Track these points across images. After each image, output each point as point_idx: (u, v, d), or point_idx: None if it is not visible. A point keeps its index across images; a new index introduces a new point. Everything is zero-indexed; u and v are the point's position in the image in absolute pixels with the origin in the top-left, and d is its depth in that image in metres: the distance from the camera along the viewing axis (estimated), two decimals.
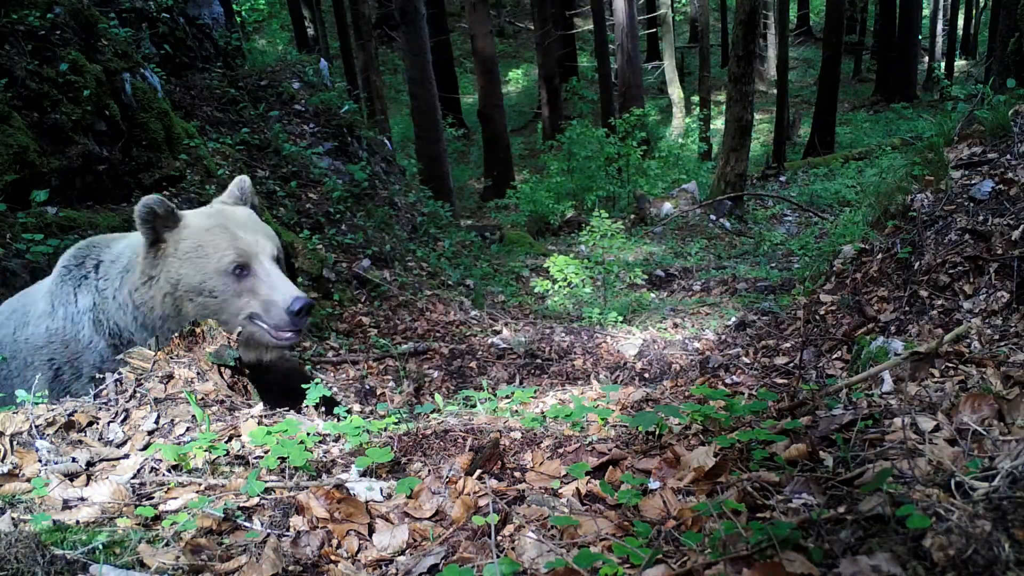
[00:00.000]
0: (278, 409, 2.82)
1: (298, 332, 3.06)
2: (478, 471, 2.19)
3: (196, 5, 9.85)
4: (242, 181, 3.48)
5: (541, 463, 2.28)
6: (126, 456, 2.33)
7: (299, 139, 9.03)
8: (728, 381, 4.82)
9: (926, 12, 28.60)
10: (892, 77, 24.96)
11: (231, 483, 2.16)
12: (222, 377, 2.81)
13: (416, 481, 2.11)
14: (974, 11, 31.84)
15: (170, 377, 2.71)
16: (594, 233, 8.18)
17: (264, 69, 10.04)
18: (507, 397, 3.23)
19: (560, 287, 8.07)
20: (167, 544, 1.80)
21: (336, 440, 2.53)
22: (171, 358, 2.80)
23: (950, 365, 2.67)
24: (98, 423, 2.49)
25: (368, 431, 2.51)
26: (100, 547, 1.73)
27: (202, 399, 2.65)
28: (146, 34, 8.29)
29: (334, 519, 1.95)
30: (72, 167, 4.79)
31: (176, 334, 2.90)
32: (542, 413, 2.77)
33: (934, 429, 2.12)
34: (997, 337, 3.31)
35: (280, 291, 2.99)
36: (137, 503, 2.06)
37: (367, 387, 5.15)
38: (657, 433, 2.43)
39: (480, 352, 5.94)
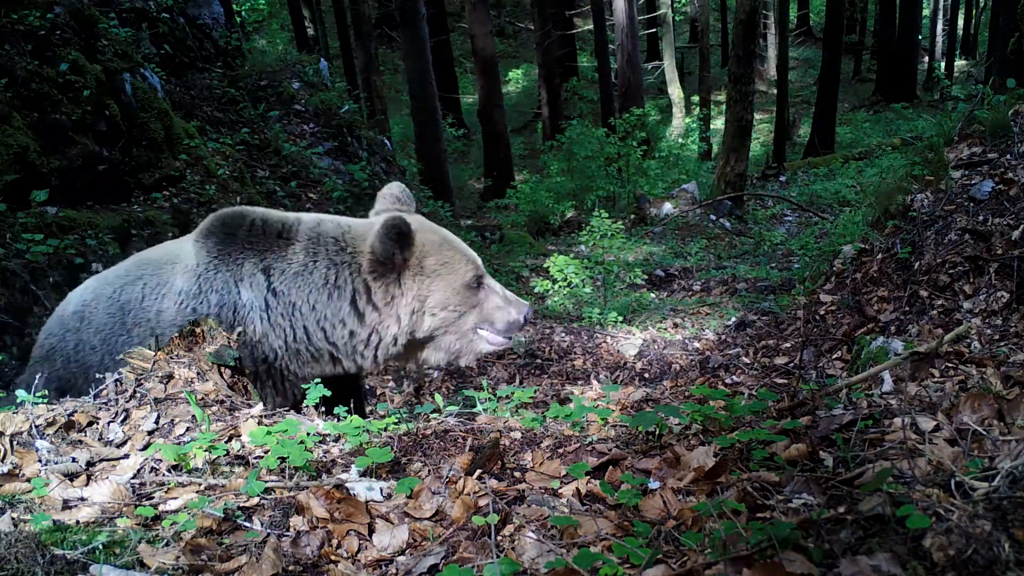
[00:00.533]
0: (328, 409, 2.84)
1: (510, 337, 3.20)
2: (478, 471, 2.19)
3: (196, 5, 9.84)
4: (401, 189, 3.42)
5: (541, 463, 2.28)
6: (126, 456, 2.33)
7: (299, 139, 9.03)
8: (728, 381, 4.82)
9: (926, 12, 28.60)
10: (892, 77, 24.96)
11: (231, 483, 2.16)
12: (222, 377, 2.81)
13: (416, 481, 2.11)
14: (974, 11, 31.84)
15: (170, 377, 2.71)
16: (594, 233, 8.18)
17: (264, 69, 10.04)
18: (507, 397, 3.23)
19: (560, 287, 8.07)
20: (167, 544, 1.80)
21: (336, 440, 2.53)
22: (171, 358, 2.80)
23: (950, 365, 2.67)
24: (98, 423, 2.49)
25: (368, 431, 2.51)
26: (100, 547, 1.73)
27: (202, 399, 2.65)
28: (146, 34, 8.28)
29: (334, 519, 1.95)
30: (72, 167, 4.79)
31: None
32: (542, 413, 2.77)
33: (934, 429, 2.12)
34: (997, 337, 3.31)
35: (514, 301, 3.14)
36: (137, 503, 2.06)
37: (367, 387, 5.14)
38: (657, 433, 2.43)
39: None
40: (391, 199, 3.39)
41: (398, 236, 2.91)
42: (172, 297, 3.01)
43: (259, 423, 2.52)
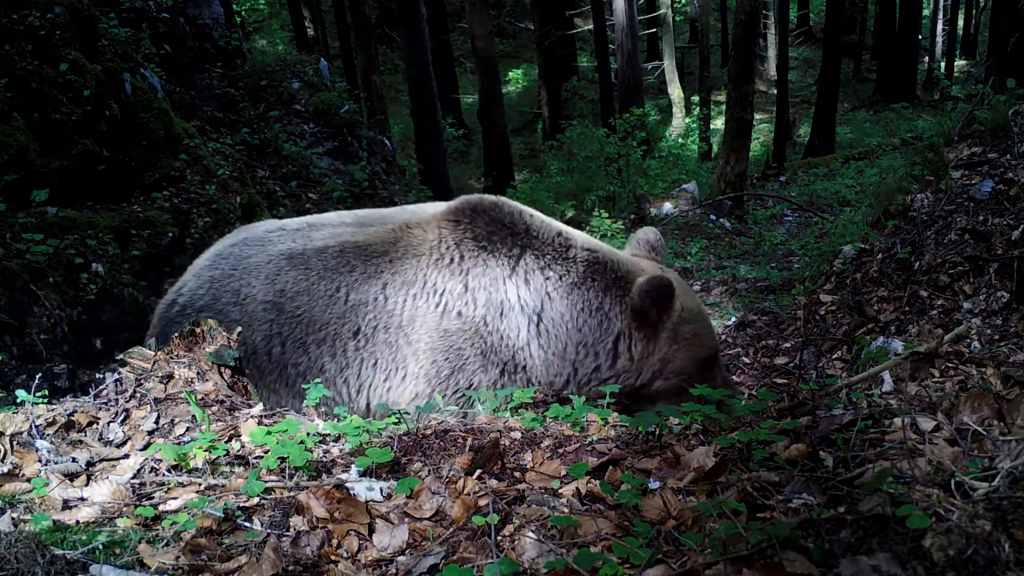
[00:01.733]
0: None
1: None
2: (478, 471, 2.19)
3: (196, 5, 9.84)
4: (657, 237, 3.28)
5: (541, 463, 2.28)
6: (126, 456, 2.33)
7: (299, 139, 9.04)
8: None
9: (926, 12, 28.59)
10: (892, 77, 24.95)
11: (231, 483, 2.16)
12: (222, 377, 2.81)
13: (416, 481, 2.11)
14: (974, 11, 31.82)
15: (170, 377, 2.71)
16: (594, 233, 8.18)
17: (264, 69, 10.03)
18: (507, 397, 3.22)
19: None
20: (167, 544, 1.80)
21: (336, 440, 2.53)
22: (171, 358, 2.80)
23: (950, 365, 2.67)
24: (98, 423, 2.49)
25: (368, 431, 2.51)
26: (100, 547, 1.73)
27: (202, 399, 2.65)
28: (146, 34, 8.28)
29: (334, 519, 1.95)
30: (72, 167, 4.78)
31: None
32: (542, 413, 2.77)
33: (934, 429, 2.12)
34: (997, 337, 3.31)
35: (732, 385, 3.17)
36: (137, 503, 2.06)
37: None
38: (657, 433, 2.43)
39: None
40: (646, 246, 3.24)
41: (662, 298, 2.80)
42: (429, 298, 2.75)
43: (259, 423, 2.52)
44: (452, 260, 2.76)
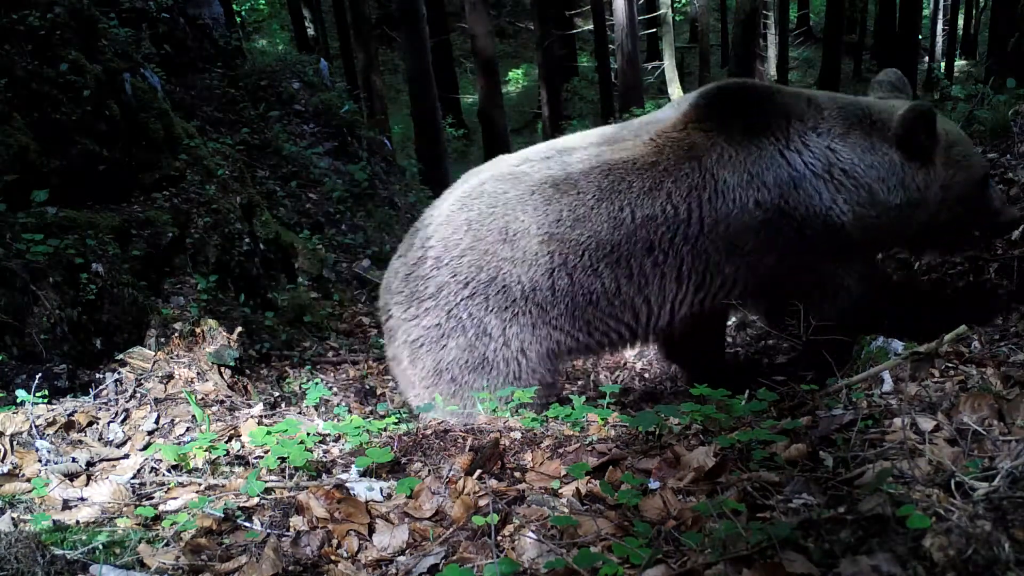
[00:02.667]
0: None
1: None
2: (478, 471, 2.19)
3: (196, 5, 9.84)
4: (898, 76, 3.20)
5: (541, 463, 2.28)
6: (126, 456, 2.33)
7: (299, 139, 9.03)
8: None
9: (926, 12, 28.59)
10: None
11: (231, 483, 2.17)
12: (222, 377, 2.82)
13: (416, 481, 2.11)
14: (974, 11, 31.81)
15: (170, 377, 2.72)
16: None
17: (264, 69, 10.03)
18: (507, 397, 3.22)
19: None
20: (167, 544, 1.80)
21: (336, 440, 2.53)
22: (171, 358, 2.80)
23: (950, 365, 2.66)
24: (98, 423, 2.50)
25: (368, 431, 2.51)
26: (100, 547, 1.73)
27: (202, 399, 2.65)
28: (146, 34, 8.28)
29: (334, 519, 1.95)
30: (72, 167, 4.78)
31: None
32: (542, 412, 2.77)
33: (934, 429, 2.12)
34: (997, 337, 3.31)
35: (1006, 202, 3.03)
36: (137, 503, 2.06)
37: (367, 387, 5.14)
38: (657, 433, 2.42)
39: None
40: (888, 87, 3.16)
41: (925, 123, 2.73)
42: (720, 198, 2.72)
43: (259, 423, 2.52)
44: (727, 155, 2.74)
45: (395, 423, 2.65)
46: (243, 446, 2.38)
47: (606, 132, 3.12)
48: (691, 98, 2.95)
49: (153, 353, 2.81)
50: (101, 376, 2.85)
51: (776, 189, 2.68)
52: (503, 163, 3.09)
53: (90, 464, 2.26)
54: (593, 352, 3.24)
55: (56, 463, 2.22)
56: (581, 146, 3.01)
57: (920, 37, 26.79)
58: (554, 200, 2.82)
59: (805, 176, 2.70)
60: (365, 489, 2.10)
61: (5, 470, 2.18)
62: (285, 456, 2.21)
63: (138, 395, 2.62)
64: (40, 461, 2.22)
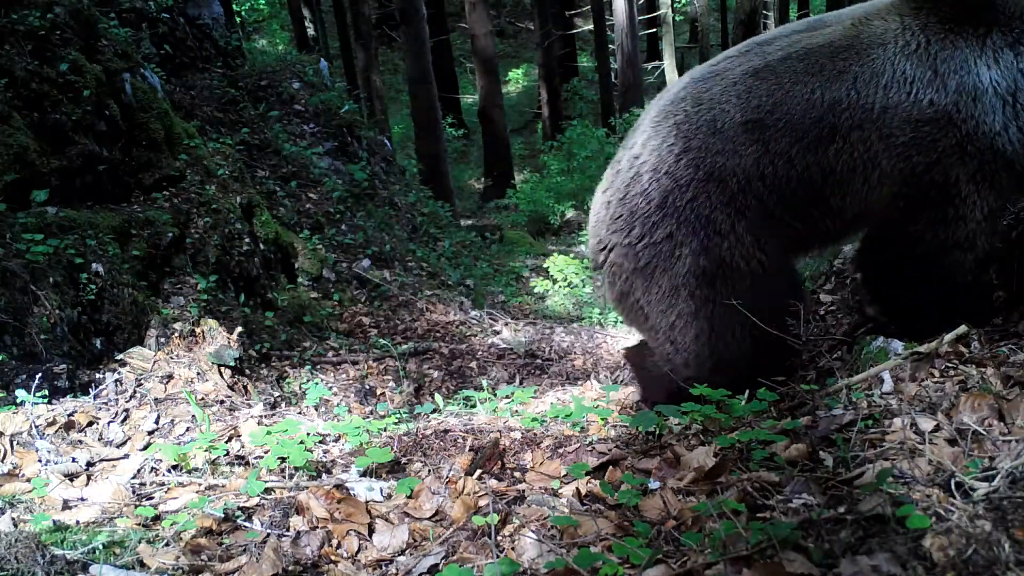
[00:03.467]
0: None
1: None
2: (478, 471, 2.19)
3: (196, 5, 9.84)
4: None
5: (541, 463, 2.28)
6: (126, 456, 2.33)
7: (299, 139, 9.03)
8: None
9: None
10: None
11: (231, 483, 2.17)
12: (222, 377, 2.82)
13: (416, 481, 2.11)
14: None
15: (170, 377, 2.72)
16: None
17: (264, 69, 10.03)
18: (507, 397, 3.23)
19: (560, 287, 8.08)
20: (167, 544, 1.80)
21: (336, 440, 2.53)
22: (171, 358, 2.80)
23: (950, 365, 2.66)
24: (98, 423, 2.50)
25: (368, 431, 2.51)
26: (100, 547, 1.74)
27: (202, 399, 2.65)
28: (146, 34, 8.28)
29: (334, 519, 1.95)
30: (72, 167, 4.78)
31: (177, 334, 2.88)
32: (542, 413, 2.77)
33: (934, 429, 2.12)
34: (997, 337, 3.30)
35: None
36: (137, 503, 2.06)
37: (367, 387, 5.15)
38: (657, 433, 2.43)
39: (480, 352, 5.94)
40: None
41: None
42: (899, 87, 2.62)
43: (259, 423, 2.52)
44: (919, 46, 2.66)
45: (395, 423, 2.65)
46: (243, 446, 2.38)
47: (809, 20, 3.06)
48: None
49: (153, 353, 2.81)
50: (101, 376, 2.85)
51: (954, 96, 2.58)
52: (697, 70, 3.07)
53: (90, 464, 2.26)
54: (815, 247, 3.15)
55: (56, 463, 2.22)
56: (781, 35, 2.96)
57: None
58: (754, 88, 2.78)
59: (987, 92, 2.59)
60: (365, 489, 2.10)
61: (5, 470, 2.18)
62: (285, 456, 2.21)
63: (138, 395, 2.62)
64: (40, 461, 2.22)
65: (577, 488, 2.09)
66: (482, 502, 2.00)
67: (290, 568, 1.77)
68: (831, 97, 2.68)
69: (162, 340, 3.35)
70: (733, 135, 2.76)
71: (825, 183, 2.75)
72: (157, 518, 1.96)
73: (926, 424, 2.14)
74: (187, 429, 2.46)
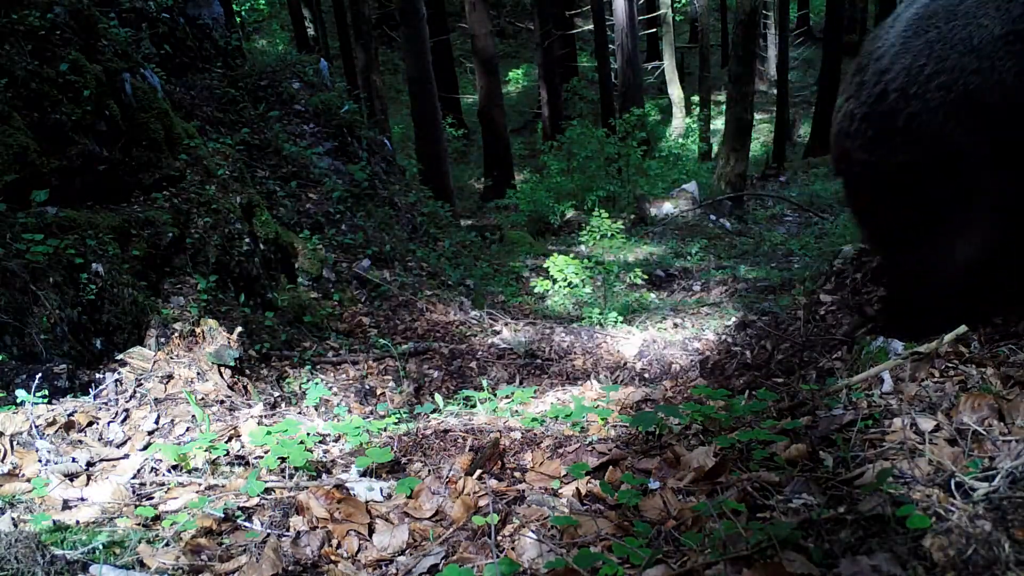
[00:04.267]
0: None
1: None
2: (478, 471, 2.19)
3: (196, 5, 9.84)
4: None
5: (541, 463, 2.28)
6: (126, 456, 2.33)
7: (299, 139, 9.04)
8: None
9: None
10: None
11: (231, 483, 2.16)
12: (222, 377, 2.82)
13: (416, 481, 2.11)
14: None
15: (170, 377, 2.72)
16: (594, 233, 8.17)
17: (264, 69, 10.03)
18: (507, 397, 3.23)
19: (560, 287, 8.08)
20: (167, 544, 1.80)
21: (336, 440, 2.53)
22: (171, 358, 2.80)
23: (950, 365, 2.66)
24: (98, 423, 2.49)
25: (368, 431, 2.51)
26: (100, 547, 1.73)
27: (202, 399, 2.65)
28: (146, 34, 8.28)
29: (334, 519, 1.95)
30: (72, 167, 4.78)
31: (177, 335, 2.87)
32: (542, 413, 2.77)
33: (934, 429, 2.12)
34: (997, 337, 3.30)
35: None
36: (137, 503, 2.06)
37: (367, 387, 5.15)
38: (657, 433, 2.43)
39: (480, 352, 5.94)
40: None
41: None
42: None
43: (259, 423, 2.52)
44: None
45: (395, 423, 2.65)
46: (243, 446, 2.38)
47: None
48: None
49: (153, 353, 2.81)
50: (101, 376, 2.85)
51: None
52: None
53: (90, 464, 2.26)
54: None
55: (56, 463, 2.22)
56: None
57: None
58: None
59: None
60: (365, 489, 2.10)
61: (5, 470, 2.18)
62: (285, 456, 2.21)
63: (138, 395, 2.62)
64: (40, 461, 2.22)
65: (577, 488, 2.09)
66: (482, 502, 2.00)
67: (290, 568, 1.77)
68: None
69: (162, 340, 3.35)
70: (993, 52, 2.60)
71: None
72: (157, 518, 1.96)
73: (926, 424, 2.14)
74: (187, 429, 2.46)
